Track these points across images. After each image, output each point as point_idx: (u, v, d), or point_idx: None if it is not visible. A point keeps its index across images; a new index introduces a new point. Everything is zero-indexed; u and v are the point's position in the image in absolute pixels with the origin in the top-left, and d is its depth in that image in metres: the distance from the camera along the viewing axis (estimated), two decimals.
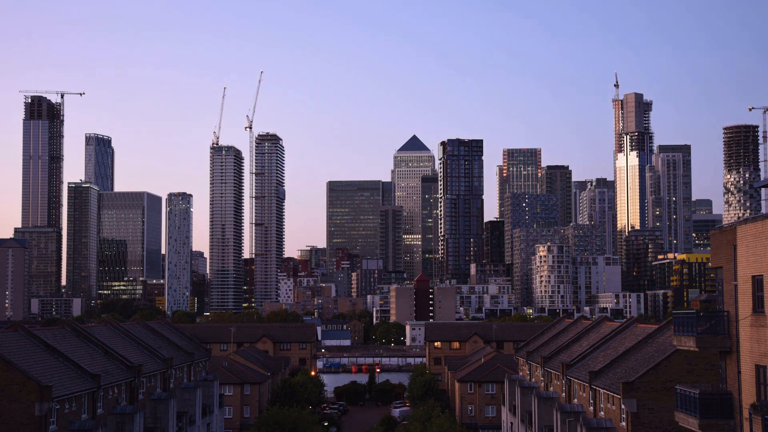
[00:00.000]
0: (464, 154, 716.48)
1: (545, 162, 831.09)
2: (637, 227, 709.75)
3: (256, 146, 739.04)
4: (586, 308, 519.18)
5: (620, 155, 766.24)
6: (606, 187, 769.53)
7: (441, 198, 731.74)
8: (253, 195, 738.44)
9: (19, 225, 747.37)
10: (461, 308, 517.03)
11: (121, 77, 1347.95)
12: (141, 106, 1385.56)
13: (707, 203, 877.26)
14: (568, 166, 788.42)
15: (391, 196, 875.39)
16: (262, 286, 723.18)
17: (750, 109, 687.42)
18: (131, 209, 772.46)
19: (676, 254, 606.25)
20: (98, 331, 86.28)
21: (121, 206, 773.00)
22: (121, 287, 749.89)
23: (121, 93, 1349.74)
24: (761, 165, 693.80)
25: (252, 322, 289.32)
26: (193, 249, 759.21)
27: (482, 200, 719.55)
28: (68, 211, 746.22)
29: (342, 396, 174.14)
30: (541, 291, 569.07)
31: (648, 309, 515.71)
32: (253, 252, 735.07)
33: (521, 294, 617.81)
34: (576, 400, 74.68)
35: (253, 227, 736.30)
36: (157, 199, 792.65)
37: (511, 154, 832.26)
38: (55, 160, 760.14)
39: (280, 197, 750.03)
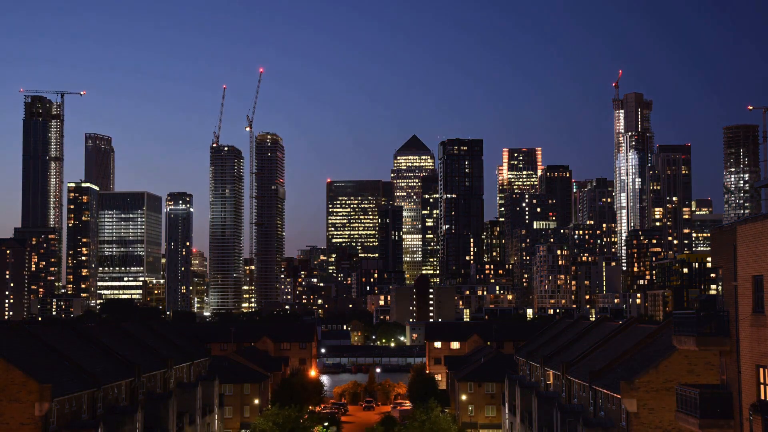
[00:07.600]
0: (464, 154, 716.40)
1: (545, 162, 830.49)
2: (637, 227, 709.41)
3: (256, 146, 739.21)
4: (587, 308, 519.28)
5: (620, 155, 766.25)
6: (606, 187, 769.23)
7: (441, 198, 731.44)
8: (253, 195, 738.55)
9: (19, 225, 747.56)
10: (461, 308, 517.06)
11: (122, 77, 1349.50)
12: (141, 106, 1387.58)
13: (707, 203, 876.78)
14: (568, 166, 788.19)
15: (391, 196, 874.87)
16: (262, 286, 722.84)
17: (750, 109, 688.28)
18: (131, 209, 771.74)
19: (676, 254, 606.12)
20: (98, 331, 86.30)
21: (121, 206, 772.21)
22: (121, 287, 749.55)
23: (121, 93, 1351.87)
24: (761, 165, 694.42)
25: (252, 322, 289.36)
26: (193, 249, 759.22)
27: (482, 200, 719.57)
28: (68, 211, 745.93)
29: (342, 396, 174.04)
30: (541, 291, 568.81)
31: (648, 309, 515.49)
32: (253, 252, 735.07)
33: (521, 294, 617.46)
34: (576, 400, 74.63)
35: (253, 227, 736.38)
36: (157, 199, 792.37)
37: (511, 154, 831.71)
38: (55, 160, 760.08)
39: (280, 197, 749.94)
